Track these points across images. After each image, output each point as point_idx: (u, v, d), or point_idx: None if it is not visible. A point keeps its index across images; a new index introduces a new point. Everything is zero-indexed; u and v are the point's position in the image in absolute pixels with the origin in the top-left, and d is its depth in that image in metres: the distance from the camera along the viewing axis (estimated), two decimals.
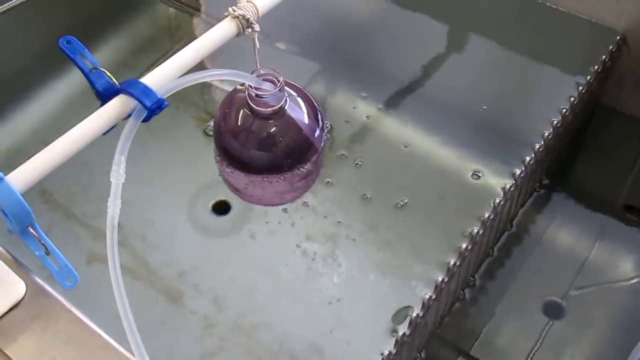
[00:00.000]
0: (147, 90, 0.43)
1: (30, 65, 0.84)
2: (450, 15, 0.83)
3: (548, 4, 0.81)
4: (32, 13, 0.78)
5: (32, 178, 0.39)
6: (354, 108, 0.74)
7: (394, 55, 0.80)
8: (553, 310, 0.80)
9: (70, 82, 0.83)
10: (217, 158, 0.58)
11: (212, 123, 0.67)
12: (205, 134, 0.76)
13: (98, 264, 0.64)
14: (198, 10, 0.86)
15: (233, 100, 0.55)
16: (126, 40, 0.89)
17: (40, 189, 0.72)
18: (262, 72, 0.51)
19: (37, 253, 0.40)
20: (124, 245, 0.66)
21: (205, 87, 0.80)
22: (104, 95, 0.43)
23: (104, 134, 0.44)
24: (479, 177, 0.67)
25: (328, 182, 0.68)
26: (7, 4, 0.62)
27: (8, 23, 0.79)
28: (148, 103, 0.42)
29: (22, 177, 0.39)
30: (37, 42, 0.82)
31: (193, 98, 0.80)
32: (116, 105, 0.42)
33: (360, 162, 0.69)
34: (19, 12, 0.74)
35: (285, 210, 0.67)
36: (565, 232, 0.86)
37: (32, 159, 0.40)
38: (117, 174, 0.41)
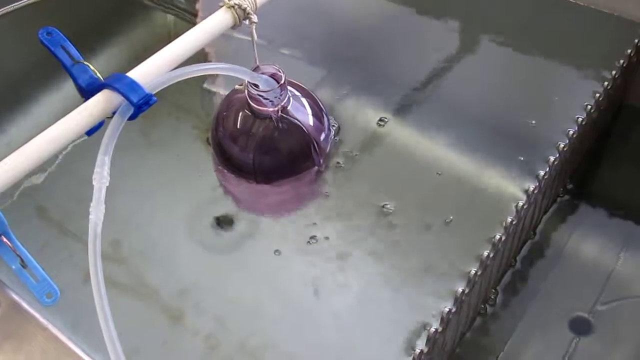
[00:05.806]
0: (133, 85, 0.39)
1: (25, 76, 0.82)
2: (464, 15, 0.80)
3: None
4: (26, 22, 0.76)
5: (3, 182, 0.36)
6: (362, 113, 0.71)
7: (405, 58, 0.77)
8: (580, 326, 0.75)
9: (67, 93, 0.80)
10: (217, 167, 0.55)
11: None
12: (208, 144, 0.73)
13: None
14: (197, 17, 0.83)
15: (231, 101, 0.52)
16: (124, 49, 0.87)
17: (36, 205, 0.69)
18: (262, 68, 0.48)
19: (13, 266, 0.37)
20: (121, 262, 0.63)
21: (207, 95, 0.77)
22: (87, 92, 0.40)
23: (89, 134, 0.41)
24: (500, 180, 0.63)
25: (336, 191, 0.64)
26: None
27: (1, 32, 0.77)
28: (134, 99, 0.39)
29: None
30: (32, 52, 0.80)
31: (194, 108, 0.77)
32: (99, 102, 0.39)
33: (370, 170, 0.65)
34: (12, 20, 0.72)
35: (291, 222, 0.63)
36: (590, 242, 0.81)
37: (3, 161, 0.36)
38: (100, 177, 0.37)
